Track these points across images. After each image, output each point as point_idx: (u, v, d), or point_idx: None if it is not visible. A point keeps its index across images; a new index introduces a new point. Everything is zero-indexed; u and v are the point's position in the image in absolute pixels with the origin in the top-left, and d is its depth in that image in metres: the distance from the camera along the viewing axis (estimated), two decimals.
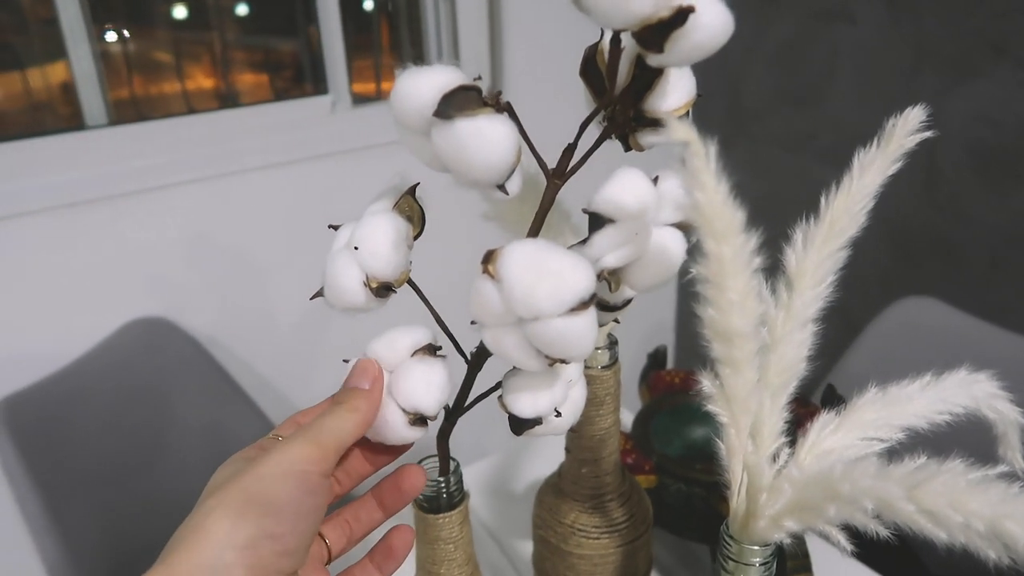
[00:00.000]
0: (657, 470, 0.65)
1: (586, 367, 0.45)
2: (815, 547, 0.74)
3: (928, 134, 0.36)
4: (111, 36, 1.17)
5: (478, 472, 0.87)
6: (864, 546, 0.80)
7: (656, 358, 0.79)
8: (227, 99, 1.31)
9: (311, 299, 0.36)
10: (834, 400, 0.80)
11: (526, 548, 0.73)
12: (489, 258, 0.29)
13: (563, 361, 0.30)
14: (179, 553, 0.27)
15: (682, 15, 0.25)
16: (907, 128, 0.36)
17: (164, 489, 1.06)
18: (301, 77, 1.33)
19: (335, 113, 1.19)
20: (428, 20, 1.29)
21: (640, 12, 0.25)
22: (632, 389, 0.82)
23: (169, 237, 1.10)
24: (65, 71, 1.09)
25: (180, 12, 1.26)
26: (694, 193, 0.27)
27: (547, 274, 0.27)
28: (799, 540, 0.58)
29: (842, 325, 1.46)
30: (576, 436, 0.47)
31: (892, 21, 1.27)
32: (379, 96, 1.34)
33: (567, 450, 0.49)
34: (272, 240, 1.19)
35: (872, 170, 0.35)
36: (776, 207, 1.64)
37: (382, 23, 1.38)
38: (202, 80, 1.33)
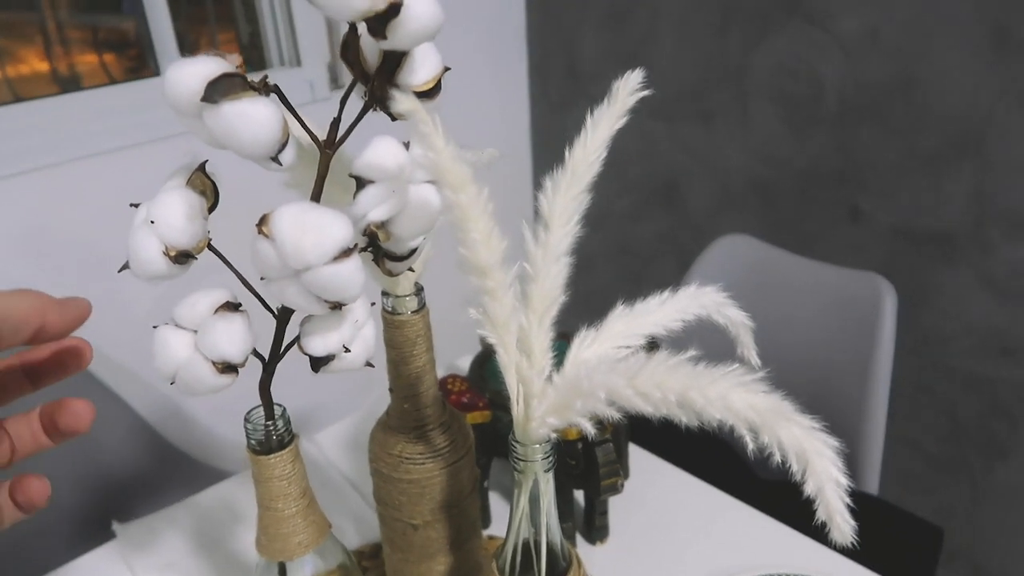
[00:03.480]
0: (491, 406, 0.72)
1: (396, 313, 0.51)
2: (636, 456, 0.84)
3: (645, 92, 0.43)
4: None
5: (341, 430, 0.92)
6: (695, 454, 0.91)
7: None
8: (67, 83, 1.26)
9: (119, 271, 0.39)
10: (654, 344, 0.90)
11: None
12: (263, 220, 0.34)
13: (340, 304, 0.36)
14: None
15: (395, 8, 0.31)
16: (628, 88, 0.43)
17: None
18: (146, 55, 1.29)
19: None
20: None
21: (360, 7, 0.31)
22: (474, 337, 0.89)
23: (6, 232, 1.07)
24: None
25: None
26: (427, 154, 0.33)
27: (310, 229, 0.33)
28: (610, 447, 0.67)
29: (679, 265, 1.60)
30: (396, 376, 0.53)
31: None
32: None
33: (390, 390, 0.55)
34: (118, 227, 1.17)
35: (603, 125, 0.42)
36: (616, 159, 1.75)
37: None
38: (36, 63, 1.27)
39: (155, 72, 1.21)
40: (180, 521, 0.79)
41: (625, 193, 1.62)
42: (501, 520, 0.76)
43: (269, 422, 0.46)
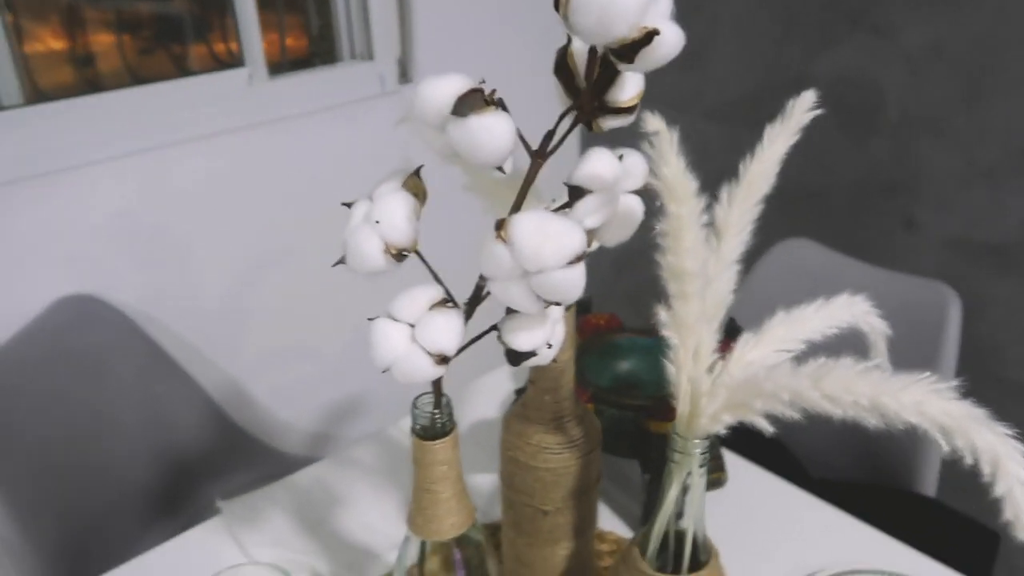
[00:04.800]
0: (593, 399, 0.75)
1: None
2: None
3: (819, 111, 0.46)
4: None
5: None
6: (756, 456, 0.94)
7: (582, 305, 0.89)
8: (81, 62, 1.24)
9: (333, 266, 0.42)
10: (735, 331, 0.92)
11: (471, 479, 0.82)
12: (501, 226, 0.36)
13: (557, 304, 0.38)
14: None
15: (650, 36, 0.33)
16: (803, 106, 0.46)
17: (108, 461, 1.09)
18: (162, 36, 1.29)
19: (252, 85, 1.21)
20: None
21: (618, 34, 0.33)
22: None
23: (91, 216, 1.10)
24: None
25: None
26: (660, 168, 0.36)
27: (551, 236, 0.35)
28: (714, 446, 0.70)
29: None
30: (541, 369, 0.56)
31: None
32: (283, 57, 1.34)
33: (531, 382, 0.57)
34: (194, 214, 1.21)
35: (779, 141, 0.45)
36: None
37: None
38: (51, 42, 1.27)
39: (240, 62, 1.23)
40: (281, 500, 0.82)
41: None
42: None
43: (436, 411, 0.49)
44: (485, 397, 0.97)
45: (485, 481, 0.83)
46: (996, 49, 1.16)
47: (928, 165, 1.29)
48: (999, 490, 0.35)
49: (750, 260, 1.30)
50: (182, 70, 1.28)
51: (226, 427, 1.26)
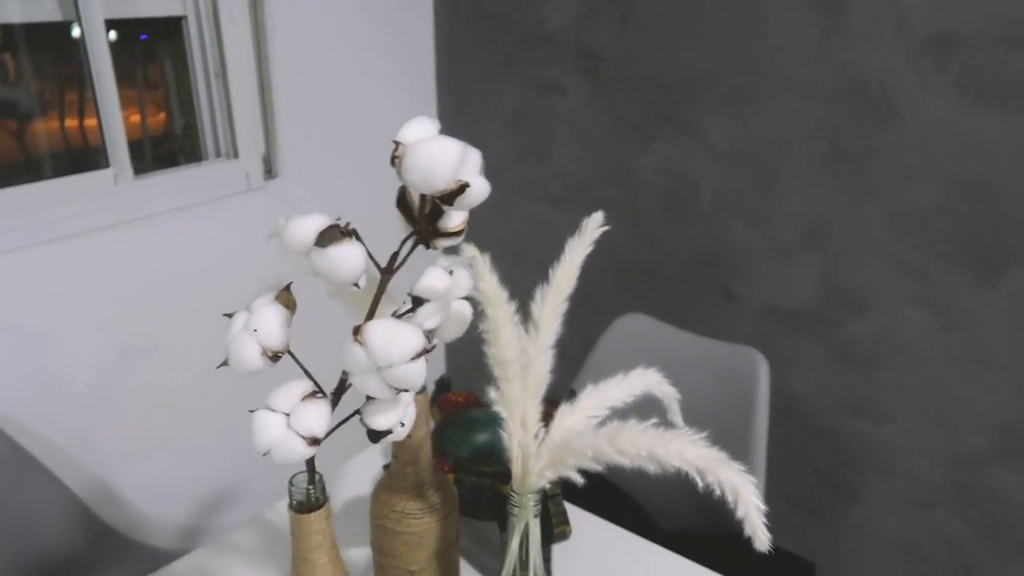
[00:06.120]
0: (454, 469, 0.84)
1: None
2: (572, 511, 0.98)
3: (605, 228, 0.59)
4: None
5: None
6: (610, 510, 1.07)
7: (442, 384, 0.99)
8: None
9: (217, 368, 0.50)
10: (575, 400, 1.05)
11: (348, 553, 0.88)
12: (357, 331, 0.46)
13: (406, 391, 0.48)
14: None
15: (463, 188, 0.45)
16: (594, 225, 0.58)
17: None
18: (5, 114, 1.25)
19: (118, 185, 1.25)
20: (200, 92, 1.39)
21: (439, 187, 0.45)
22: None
23: None
24: None
25: None
26: (478, 284, 0.47)
27: (397, 338, 0.45)
28: (558, 502, 0.81)
29: (581, 340, 1.78)
30: (401, 444, 0.65)
31: (594, 94, 1.60)
32: (144, 135, 1.35)
33: (394, 456, 0.66)
34: (56, 312, 1.21)
35: (577, 252, 0.58)
36: (519, 243, 1.91)
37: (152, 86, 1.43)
38: None
39: (94, 145, 1.26)
40: None
41: (527, 274, 1.79)
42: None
43: (310, 486, 0.57)
44: (358, 475, 1.04)
45: (361, 555, 0.89)
46: (779, 147, 1.39)
47: (738, 243, 1.49)
48: (740, 513, 0.48)
49: (595, 334, 1.45)
50: (25, 150, 1.26)
51: (93, 525, 1.25)
